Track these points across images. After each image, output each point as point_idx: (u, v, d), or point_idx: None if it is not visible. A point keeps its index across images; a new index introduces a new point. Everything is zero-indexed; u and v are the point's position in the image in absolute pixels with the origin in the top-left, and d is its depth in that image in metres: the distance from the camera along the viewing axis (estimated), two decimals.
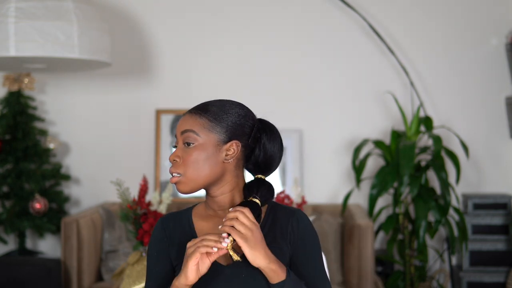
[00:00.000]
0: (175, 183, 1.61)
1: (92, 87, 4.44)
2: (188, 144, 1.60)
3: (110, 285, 3.77)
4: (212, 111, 1.62)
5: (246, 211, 1.52)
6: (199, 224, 1.67)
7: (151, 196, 3.84)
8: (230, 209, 1.55)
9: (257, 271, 1.57)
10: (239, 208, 1.53)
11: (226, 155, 1.61)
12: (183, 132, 1.61)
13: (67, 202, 4.33)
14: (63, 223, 3.73)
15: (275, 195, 1.67)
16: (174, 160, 1.61)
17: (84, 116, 4.45)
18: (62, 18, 3.33)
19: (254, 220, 1.52)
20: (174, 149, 1.66)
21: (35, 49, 3.30)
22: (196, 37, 4.39)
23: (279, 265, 1.53)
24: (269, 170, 1.67)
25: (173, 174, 1.61)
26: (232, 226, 1.51)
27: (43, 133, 4.27)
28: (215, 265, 1.58)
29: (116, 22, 4.33)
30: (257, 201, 1.60)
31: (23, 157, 4.16)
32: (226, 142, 1.61)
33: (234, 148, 1.61)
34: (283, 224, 1.63)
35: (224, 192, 1.64)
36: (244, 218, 1.51)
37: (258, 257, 1.50)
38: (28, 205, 4.09)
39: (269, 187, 1.64)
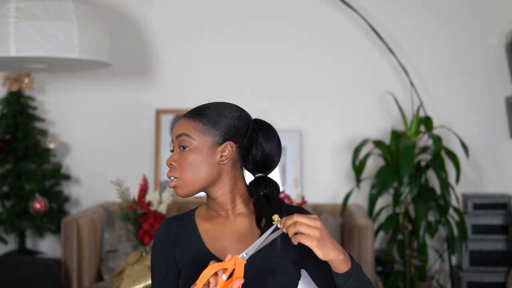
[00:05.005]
0: (173, 187, 1.63)
1: (92, 87, 4.44)
2: (184, 147, 1.62)
3: (110, 285, 3.77)
4: (206, 114, 1.63)
5: (296, 215, 1.46)
6: (202, 225, 1.68)
7: (151, 196, 3.83)
8: (277, 223, 1.49)
9: (264, 269, 1.57)
10: (293, 216, 1.46)
11: (221, 156, 1.62)
12: (178, 136, 1.63)
13: (67, 202, 4.33)
14: (63, 223, 3.73)
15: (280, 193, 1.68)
16: (171, 165, 1.63)
17: (84, 116, 4.45)
18: (62, 18, 3.33)
19: (313, 217, 1.46)
20: (171, 154, 1.67)
21: (35, 49, 3.29)
22: (196, 37, 4.39)
23: (344, 253, 1.50)
24: (268, 169, 1.68)
25: (171, 178, 1.63)
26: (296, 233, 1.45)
27: (43, 133, 4.27)
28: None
29: (116, 22, 4.33)
30: None
31: (23, 157, 4.16)
32: (220, 144, 1.62)
33: (228, 149, 1.63)
34: None
35: (225, 193, 1.65)
36: (306, 220, 1.45)
37: (329, 252, 1.46)
38: (28, 205, 4.10)
39: (275, 184, 1.66)
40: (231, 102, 1.69)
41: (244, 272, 1.52)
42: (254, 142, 1.66)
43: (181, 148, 1.62)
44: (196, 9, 4.40)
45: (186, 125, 1.63)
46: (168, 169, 1.65)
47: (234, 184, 1.65)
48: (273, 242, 1.50)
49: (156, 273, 1.68)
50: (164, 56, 4.41)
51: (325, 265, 1.53)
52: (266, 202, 1.59)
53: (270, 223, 1.53)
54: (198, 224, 1.68)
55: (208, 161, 1.61)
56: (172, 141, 1.66)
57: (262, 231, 1.56)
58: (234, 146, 1.63)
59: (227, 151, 1.62)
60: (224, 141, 1.62)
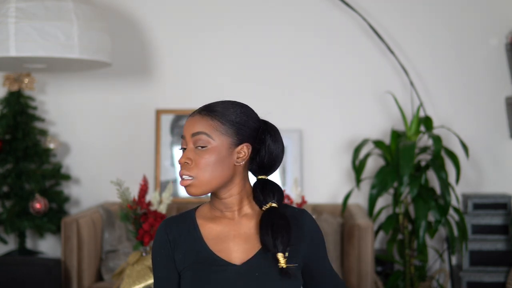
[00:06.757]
0: (186, 186, 1.59)
1: (92, 87, 4.44)
2: (202, 147, 1.59)
3: (110, 285, 3.77)
4: (223, 113, 1.60)
5: None
6: (205, 226, 1.65)
7: (151, 196, 3.83)
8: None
9: (270, 270, 1.58)
10: None
11: (238, 157, 1.61)
12: (194, 134, 1.59)
13: (67, 202, 4.33)
14: (63, 223, 3.73)
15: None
16: (186, 163, 1.59)
17: (84, 116, 4.46)
18: (62, 18, 3.34)
19: None
20: (181, 151, 1.64)
21: (35, 49, 3.30)
22: (196, 37, 4.39)
23: None
24: (272, 171, 1.68)
25: (184, 177, 1.59)
26: None
27: (43, 133, 4.27)
28: (229, 264, 1.59)
29: (116, 22, 4.33)
30: (275, 205, 1.63)
31: (23, 157, 4.16)
32: (237, 145, 1.60)
33: (245, 150, 1.61)
34: (294, 223, 1.65)
35: (233, 194, 1.63)
36: None
37: None
38: (28, 205, 4.10)
39: (280, 190, 1.66)
40: (241, 102, 1.67)
41: (251, 274, 1.52)
42: (263, 143, 1.65)
43: (199, 147, 1.59)
44: (196, 9, 4.40)
45: (204, 123, 1.59)
46: (178, 166, 1.63)
47: (243, 185, 1.64)
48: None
49: (156, 275, 1.67)
50: (164, 56, 4.41)
51: (323, 269, 1.56)
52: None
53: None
54: (199, 225, 1.65)
55: (225, 162, 1.59)
56: (183, 137, 1.62)
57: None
58: (250, 148, 1.62)
59: (243, 153, 1.61)
60: (241, 142, 1.60)
